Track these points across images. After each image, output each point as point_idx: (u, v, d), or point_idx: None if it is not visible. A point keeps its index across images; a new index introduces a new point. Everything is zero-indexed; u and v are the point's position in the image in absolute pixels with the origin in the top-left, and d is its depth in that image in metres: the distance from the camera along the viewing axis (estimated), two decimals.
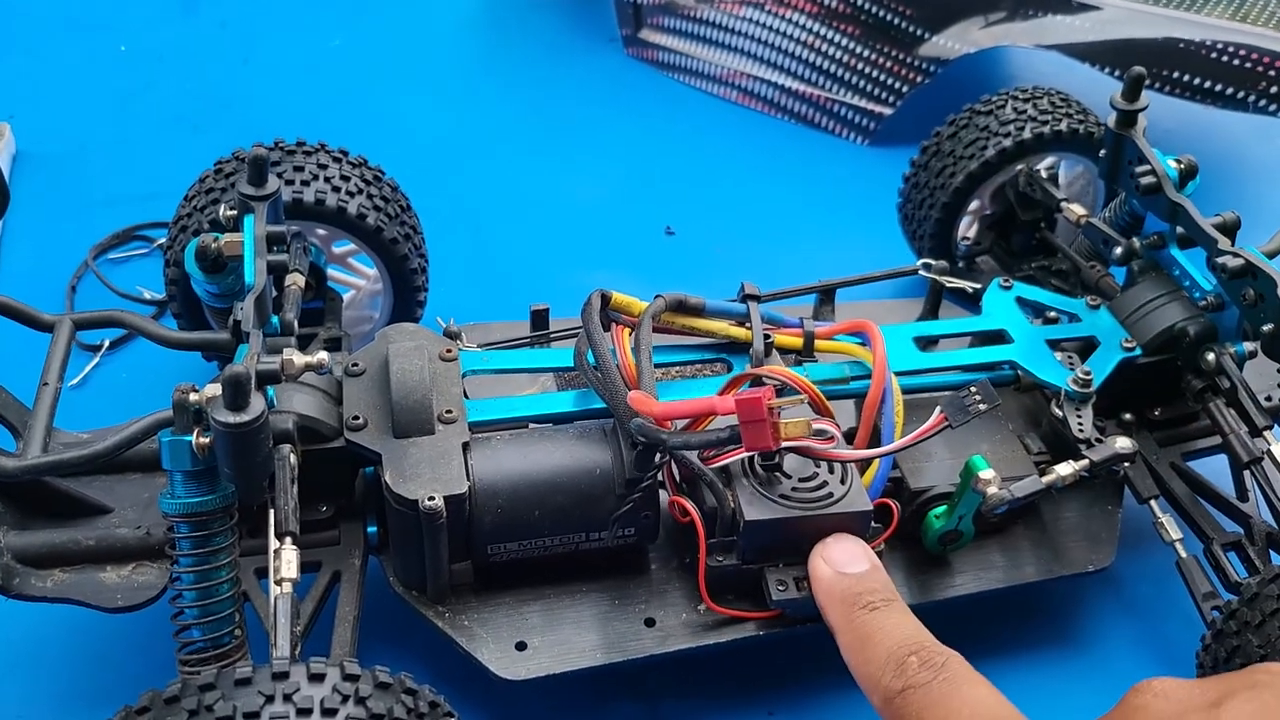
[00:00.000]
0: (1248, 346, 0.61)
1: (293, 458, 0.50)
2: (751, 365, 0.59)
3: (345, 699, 0.41)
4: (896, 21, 1.00)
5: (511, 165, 0.98)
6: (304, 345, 0.60)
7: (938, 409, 0.53)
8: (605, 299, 0.58)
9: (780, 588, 0.54)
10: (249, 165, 0.58)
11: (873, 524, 0.55)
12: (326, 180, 0.66)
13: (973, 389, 0.53)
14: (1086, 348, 0.64)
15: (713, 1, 1.08)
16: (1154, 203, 0.64)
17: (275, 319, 0.57)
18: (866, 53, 1.01)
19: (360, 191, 0.67)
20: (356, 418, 0.55)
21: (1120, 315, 0.65)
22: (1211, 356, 0.61)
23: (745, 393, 0.51)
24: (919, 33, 0.99)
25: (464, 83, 1.09)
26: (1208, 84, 0.91)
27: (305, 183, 0.65)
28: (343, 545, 0.56)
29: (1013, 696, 0.45)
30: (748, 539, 0.54)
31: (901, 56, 1.00)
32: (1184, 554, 0.60)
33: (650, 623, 0.56)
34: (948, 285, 0.69)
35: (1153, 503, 0.61)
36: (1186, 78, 0.92)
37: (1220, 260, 0.60)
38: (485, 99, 1.07)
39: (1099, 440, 0.58)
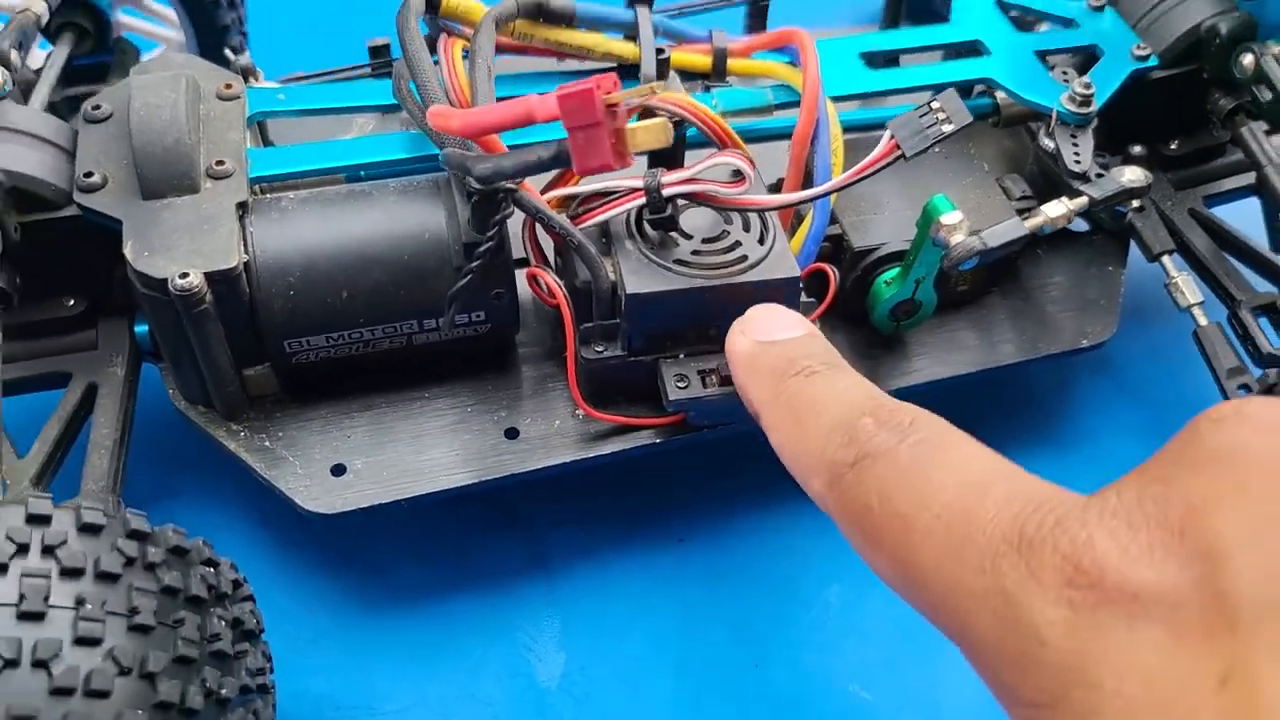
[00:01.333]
0: None
1: None
2: None
3: (130, 562, 0.31)
4: None
5: None
6: (75, 108, 0.44)
7: (887, 133, 0.39)
8: (433, 1, 0.42)
9: (680, 384, 0.41)
10: None
11: (804, 297, 0.42)
12: None
13: (934, 104, 0.39)
14: (1087, 61, 0.49)
15: None
16: None
17: None
18: None
19: None
20: (90, 174, 0.40)
21: (1131, 18, 0.50)
22: (1249, 59, 0.47)
23: (570, 85, 0.35)
24: None
25: None
26: None
27: None
28: (101, 350, 0.43)
29: None
30: (634, 321, 0.40)
31: None
32: (1204, 321, 0.47)
33: (513, 434, 0.43)
34: None
35: (1165, 259, 0.48)
36: None
37: None
38: None
39: (1100, 176, 0.44)
